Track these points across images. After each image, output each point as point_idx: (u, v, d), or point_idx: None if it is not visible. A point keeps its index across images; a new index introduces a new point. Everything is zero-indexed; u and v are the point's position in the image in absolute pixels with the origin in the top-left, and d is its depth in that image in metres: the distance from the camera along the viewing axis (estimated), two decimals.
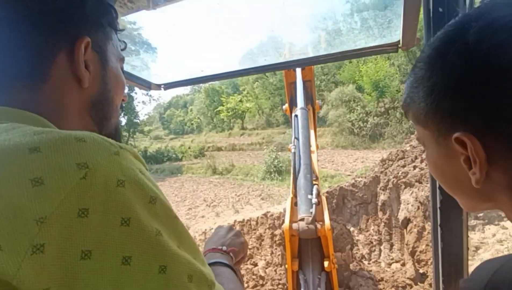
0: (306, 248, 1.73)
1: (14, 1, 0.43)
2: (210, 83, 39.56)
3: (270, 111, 30.43)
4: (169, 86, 1.36)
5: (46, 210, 0.29)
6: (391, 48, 0.98)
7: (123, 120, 27.65)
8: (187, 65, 1.36)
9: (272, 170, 15.43)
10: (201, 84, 43.92)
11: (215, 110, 34.00)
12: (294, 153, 2.26)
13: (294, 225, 1.69)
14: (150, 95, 30.49)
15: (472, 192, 0.41)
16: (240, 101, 31.97)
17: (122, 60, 0.59)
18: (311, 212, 1.69)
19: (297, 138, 2.37)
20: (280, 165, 15.55)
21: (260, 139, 25.85)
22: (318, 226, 1.66)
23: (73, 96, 0.48)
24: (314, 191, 1.83)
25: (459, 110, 0.37)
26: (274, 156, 15.86)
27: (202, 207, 11.45)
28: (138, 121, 29.72)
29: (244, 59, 1.21)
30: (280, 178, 14.85)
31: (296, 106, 2.77)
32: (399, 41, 0.95)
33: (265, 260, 5.67)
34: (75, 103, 0.48)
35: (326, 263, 1.63)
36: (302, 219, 1.69)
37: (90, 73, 0.49)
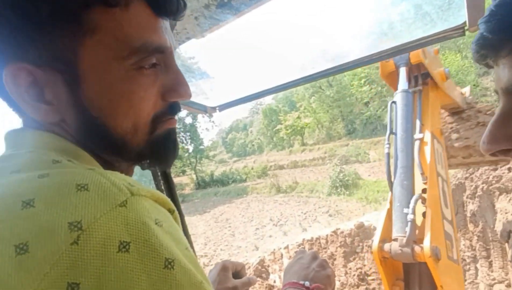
0: (413, 270, 1.44)
1: None
2: (267, 103, 40.58)
3: (329, 124, 29.63)
4: (223, 107, 1.41)
5: (27, 287, 0.23)
6: (457, 32, 0.86)
7: (190, 148, 29.70)
8: (239, 85, 1.41)
9: (338, 184, 14.78)
10: (258, 106, 45.31)
11: (274, 129, 34.41)
12: (388, 153, 1.80)
13: (386, 246, 1.43)
14: (212, 122, 32.39)
15: None
16: (298, 117, 31.86)
17: (135, 52, 0.35)
18: (406, 231, 1.40)
19: (394, 133, 1.90)
20: (346, 179, 14.81)
21: (322, 154, 25.15)
22: (417, 249, 1.34)
23: (58, 131, 0.37)
24: (411, 204, 1.48)
25: None
26: (338, 170, 15.22)
27: (269, 227, 11.42)
28: (203, 147, 31.59)
29: (294, 71, 1.20)
30: (348, 192, 14.11)
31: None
32: (465, 22, 0.83)
33: (339, 280, 5.33)
34: (66, 136, 0.37)
35: None
36: (396, 239, 1.43)
37: (52, 103, 0.35)
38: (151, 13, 0.37)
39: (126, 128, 0.37)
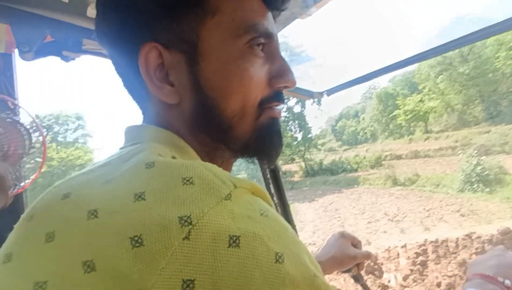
0: None
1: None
2: (382, 87, 36.99)
3: (463, 107, 24.83)
4: (332, 91, 1.32)
5: (146, 281, 0.23)
6: None
7: (299, 136, 30.06)
8: (350, 67, 1.29)
9: (474, 179, 12.32)
10: (371, 90, 41.73)
11: (390, 115, 31.20)
12: None
13: None
14: (321, 110, 31.72)
15: None
16: (421, 101, 27.88)
17: (248, 31, 0.39)
18: None
19: None
20: (486, 173, 12.19)
21: (452, 143, 21.38)
22: None
23: (171, 115, 0.40)
24: None
25: None
26: (475, 162, 12.65)
27: (383, 222, 10.54)
28: (311, 136, 31.43)
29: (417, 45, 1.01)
30: (488, 189, 11.61)
31: None
32: None
33: None
34: (177, 122, 0.40)
35: None
36: None
37: (174, 85, 0.39)
38: (261, 3, 0.41)
39: (235, 109, 0.39)
